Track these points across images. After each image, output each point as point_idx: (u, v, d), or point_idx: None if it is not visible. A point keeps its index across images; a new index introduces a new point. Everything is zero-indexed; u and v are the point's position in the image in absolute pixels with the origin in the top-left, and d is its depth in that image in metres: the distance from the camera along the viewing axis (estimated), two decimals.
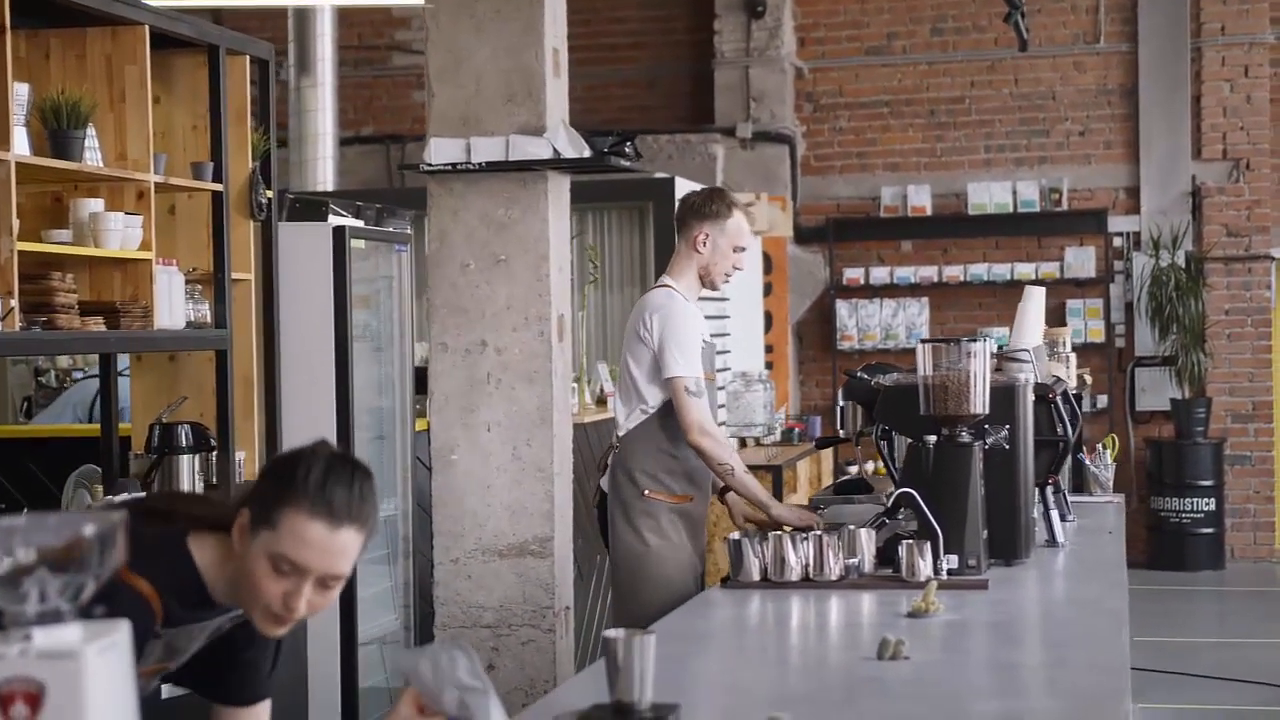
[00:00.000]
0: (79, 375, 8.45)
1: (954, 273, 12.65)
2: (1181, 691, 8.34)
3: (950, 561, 4.24)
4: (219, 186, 5.50)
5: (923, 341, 4.44)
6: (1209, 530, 12.13)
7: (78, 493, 5.63)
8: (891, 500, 4.39)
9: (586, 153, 5.73)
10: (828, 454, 11.23)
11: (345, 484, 2.55)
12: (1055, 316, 12.24)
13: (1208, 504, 12.10)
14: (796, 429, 11.07)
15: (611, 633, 2.74)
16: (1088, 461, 6.40)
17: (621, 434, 5.25)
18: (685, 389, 5.04)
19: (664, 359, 5.07)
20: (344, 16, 12.52)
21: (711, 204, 5.27)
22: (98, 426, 5.70)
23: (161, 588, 2.57)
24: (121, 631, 1.78)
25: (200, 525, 2.66)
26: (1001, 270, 12.54)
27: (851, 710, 2.92)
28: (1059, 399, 5.02)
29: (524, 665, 5.56)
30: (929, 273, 12.68)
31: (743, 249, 5.30)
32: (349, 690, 6.14)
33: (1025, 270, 12.45)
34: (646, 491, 5.15)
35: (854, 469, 12.22)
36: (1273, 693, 8.25)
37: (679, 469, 5.18)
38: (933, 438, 4.37)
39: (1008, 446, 4.49)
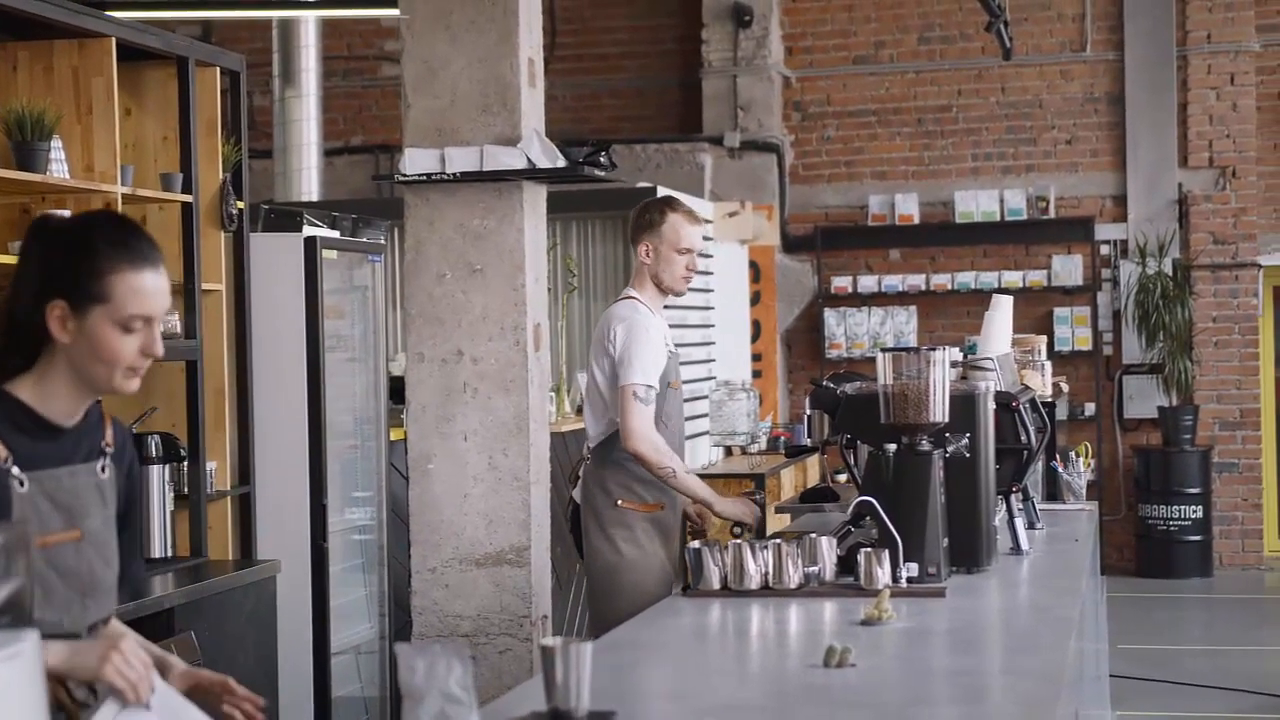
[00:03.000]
0: None
1: (942, 281, 12.67)
2: (1167, 699, 8.34)
3: (910, 569, 4.25)
4: (189, 198, 5.52)
5: (883, 350, 4.45)
6: (1197, 538, 12.14)
7: None
8: (852, 509, 4.40)
9: (561, 162, 5.75)
10: (814, 462, 11.25)
11: (136, 232, 2.74)
12: (1042, 324, 12.27)
13: (1195, 511, 12.11)
14: (783, 437, 11.09)
15: (548, 641, 2.76)
16: (1061, 470, 6.40)
17: (593, 445, 5.33)
18: (634, 394, 5.14)
19: (620, 367, 5.18)
20: (333, 27, 12.56)
21: (646, 214, 5.39)
22: None
23: None
24: (29, 641, 1.80)
25: (4, 377, 2.72)
26: (989, 278, 12.56)
27: (789, 717, 2.94)
28: (1024, 407, 5.03)
29: (501, 674, 5.57)
30: (917, 281, 12.70)
31: (688, 250, 5.36)
32: (322, 700, 6.15)
33: (1013, 278, 12.47)
34: (620, 501, 5.22)
35: (843, 477, 12.25)
36: (1259, 700, 8.26)
37: (650, 478, 5.23)
38: (893, 446, 4.38)
39: (968, 454, 4.50)
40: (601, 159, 6.04)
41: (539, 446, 5.81)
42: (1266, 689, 8.44)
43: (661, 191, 9.90)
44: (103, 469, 2.78)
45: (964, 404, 4.51)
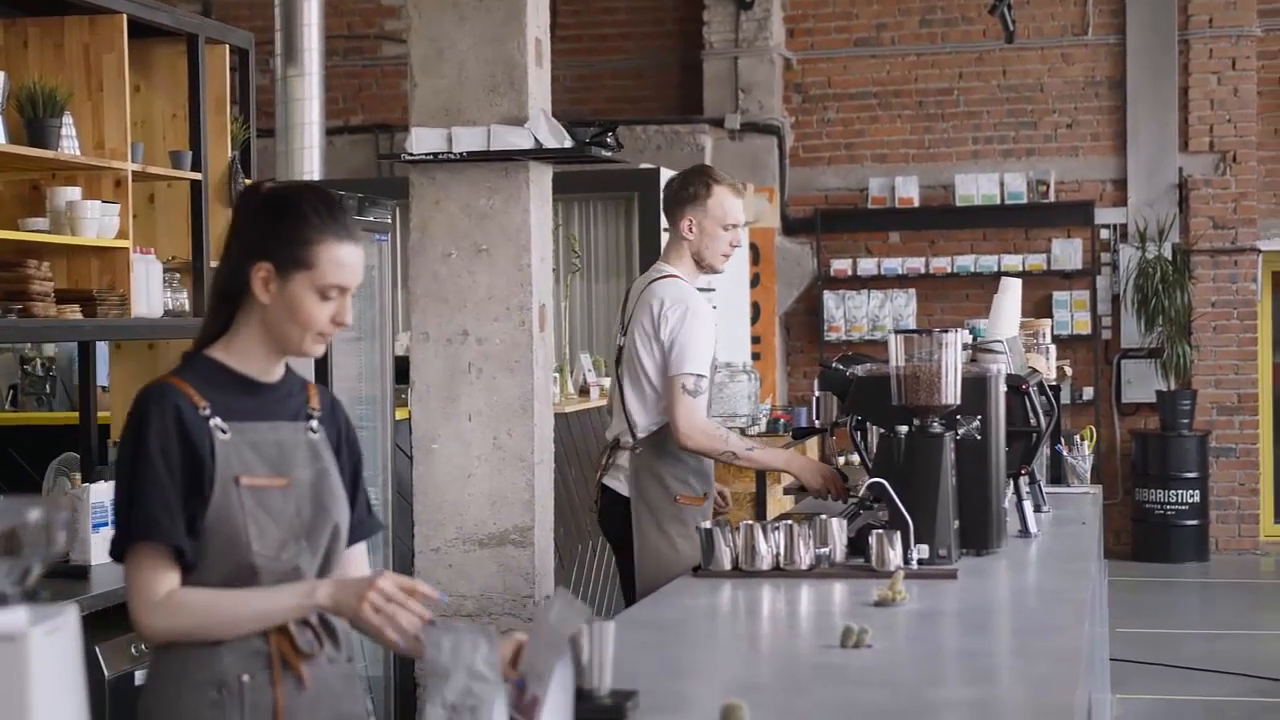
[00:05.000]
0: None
1: (941, 264, 12.68)
2: (1164, 683, 8.37)
3: (921, 551, 4.25)
4: (198, 175, 5.51)
5: (895, 332, 4.45)
6: (1193, 522, 12.17)
7: (58, 480, 5.65)
8: (863, 490, 4.41)
9: (568, 143, 5.73)
10: (814, 444, 11.26)
11: (340, 205, 2.88)
12: (1042, 308, 12.27)
13: (1192, 496, 12.14)
14: (783, 419, 11.09)
15: None
16: (1065, 453, 6.41)
17: (641, 434, 5.08)
18: (683, 387, 4.90)
19: (672, 355, 4.95)
20: (333, 6, 12.51)
21: (689, 186, 5.14)
22: (77, 415, 5.71)
23: (189, 379, 2.81)
24: (68, 616, 1.80)
25: (208, 344, 2.88)
26: (989, 262, 12.57)
27: (809, 697, 2.95)
28: (1033, 390, 5.03)
29: None
30: (916, 264, 12.71)
31: (733, 225, 5.14)
32: None
33: (1012, 262, 12.48)
34: (678, 497, 5.03)
35: (841, 460, 12.25)
36: (1255, 684, 8.29)
37: (701, 468, 5.08)
38: (904, 428, 4.39)
39: (979, 437, 4.50)
40: (608, 140, 6.03)
41: (544, 427, 5.81)
42: (1262, 672, 8.47)
43: (666, 173, 9.90)
44: (312, 430, 2.91)
45: (975, 386, 4.51)
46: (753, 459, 5.02)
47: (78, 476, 5.38)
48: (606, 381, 8.27)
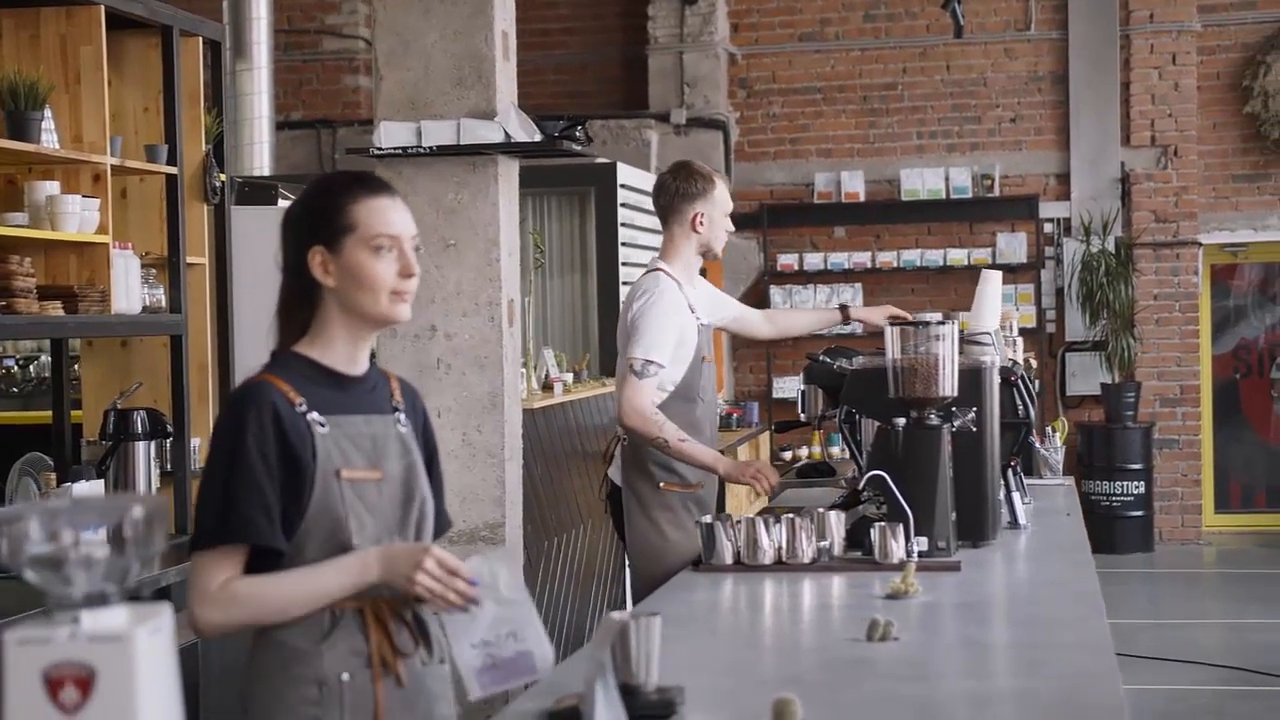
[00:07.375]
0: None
1: (887, 258, 12.71)
2: (1125, 672, 8.43)
3: (920, 543, 4.25)
4: (173, 169, 5.43)
5: (892, 324, 4.45)
6: (1138, 513, 12.28)
7: (23, 481, 5.54)
8: (863, 483, 4.40)
9: (537, 137, 5.71)
10: (765, 439, 11.30)
11: (369, 173, 2.95)
12: None
13: (1137, 487, 12.25)
14: (734, 415, 11.12)
15: (618, 615, 2.73)
16: (1038, 445, 6.44)
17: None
18: (630, 368, 4.98)
19: (631, 339, 5.02)
20: (274, 0, 12.39)
21: (696, 183, 5.22)
22: (49, 414, 5.61)
23: (281, 375, 2.80)
24: (165, 615, 1.76)
25: (292, 343, 2.88)
26: (934, 256, 12.62)
27: (852, 691, 2.93)
28: (1020, 381, 5.05)
29: None
30: (862, 258, 12.74)
31: (729, 212, 5.32)
32: None
33: (958, 256, 12.54)
34: (662, 484, 5.08)
35: (788, 454, 12.26)
36: (1207, 671, 8.38)
37: None
38: (901, 420, 4.38)
39: (975, 428, 4.51)
40: (577, 133, 6.01)
41: (513, 423, 5.79)
42: (1208, 660, 8.57)
43: (624, 169, 9.89)
44: (400, 422, 2.89)
45: (971, 378, 4.52)
46: (682, 450, 4.99)
47: (52, 477, 5.28)
48: (570, 377, 8.24)
